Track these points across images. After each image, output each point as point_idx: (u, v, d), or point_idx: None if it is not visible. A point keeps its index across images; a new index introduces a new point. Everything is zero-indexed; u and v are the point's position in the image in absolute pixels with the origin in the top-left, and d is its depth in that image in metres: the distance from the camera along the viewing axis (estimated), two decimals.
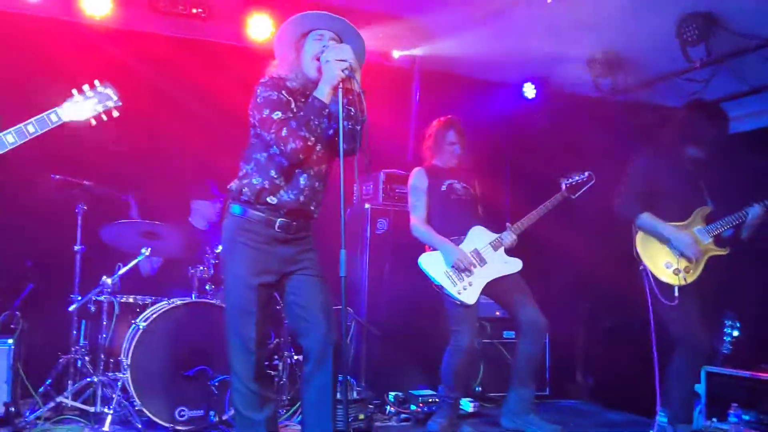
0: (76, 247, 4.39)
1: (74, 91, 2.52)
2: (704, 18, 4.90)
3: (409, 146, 5.81)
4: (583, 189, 4.57)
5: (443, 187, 4.45)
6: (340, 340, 3.04)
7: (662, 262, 4.07)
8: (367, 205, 5.19)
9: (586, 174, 4.57)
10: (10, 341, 4.07)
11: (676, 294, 3.97)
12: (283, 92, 3.05)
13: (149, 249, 4.40)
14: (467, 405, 4.91)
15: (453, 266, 4.24)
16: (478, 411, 4.95)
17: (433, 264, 4.29)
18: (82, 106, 2.52)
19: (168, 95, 5.31)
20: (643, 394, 4.19)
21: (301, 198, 3.08)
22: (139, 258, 4.40)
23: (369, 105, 3.00)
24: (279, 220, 3.04)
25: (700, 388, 4.21)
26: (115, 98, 2.60)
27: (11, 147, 2.38)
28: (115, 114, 2.59)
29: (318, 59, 3.05)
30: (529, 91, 6.29)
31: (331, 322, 3.08)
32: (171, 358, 4.09)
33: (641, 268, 4.12)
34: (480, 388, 5.31)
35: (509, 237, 4.39)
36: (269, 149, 3.04)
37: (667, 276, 4.04)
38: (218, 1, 5.28)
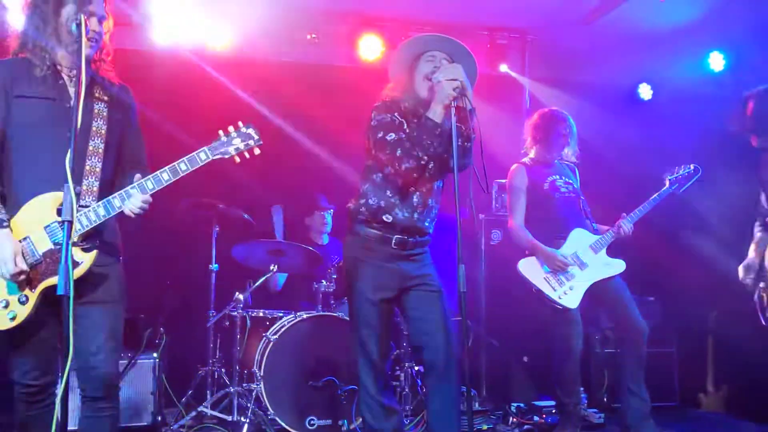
0: (212, 266, 4.71)
1: (221, 132, 2.70)
2: None
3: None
4: (690, 182, 4.38)
5: (545, 185, 4.35)
6: (461, 352, 3.10)
7: None
8: (481, 216, 5.24)
9: (692, 167, 4.39)
10: (155, 355, 4.42)
11: None
12: (396, 114, 3.18)
13: (276, 266, 4.65)
14: (593, 416, 4.81)
15: (551, 270, 4.20)
16: (604, 422, 4.84)
17: (531, 269, 4.25)
18: (228, 146, 2.69)
19: (281, 115, 5.59)
20: None
21: (415, 215, 3.18)
22: (268, 275, 4.67)
23: (480, 117, 3.07)
24: (395, 237, 3.16)
25: None
26: (257, 137, 2.74)
27: (166, 184, 2.60)
28: (257, 152, 2.75)
29: (430, 79, 3.15)
30: (645, 92, 6.11)
31: (451, 335, 3.15)
32: (300, 369, 4.31)
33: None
34: (606, 398, 5.19)
35: (628, 224, 4.27)
36: (384, 169, 3.17)
37: None
38: (330, 26, 5.54)
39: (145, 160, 2.84)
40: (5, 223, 2.53)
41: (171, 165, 2.61)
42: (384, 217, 3.16)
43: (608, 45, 5.67)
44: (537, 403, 4.80)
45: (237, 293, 4.60)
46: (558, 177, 4.39)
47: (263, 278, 4.67)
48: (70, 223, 2.19)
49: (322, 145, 5.61)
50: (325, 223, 5.46)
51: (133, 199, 2.57)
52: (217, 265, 4.73)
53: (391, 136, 3.11)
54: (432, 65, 3.20)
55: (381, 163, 3.17)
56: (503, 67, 5.95)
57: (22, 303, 2.52)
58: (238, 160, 2.71)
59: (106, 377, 2.59)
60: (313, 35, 5.52)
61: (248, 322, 4.62)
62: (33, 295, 2.52)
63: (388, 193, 3.18)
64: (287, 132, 5.59)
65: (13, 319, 2.52)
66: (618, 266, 4.28)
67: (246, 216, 4.75)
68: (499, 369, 5.02)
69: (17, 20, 2.75)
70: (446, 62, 3.20)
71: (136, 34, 5.13)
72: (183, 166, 2.62)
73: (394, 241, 3.16)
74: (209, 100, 5.25)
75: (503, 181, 5.28)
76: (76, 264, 2.48)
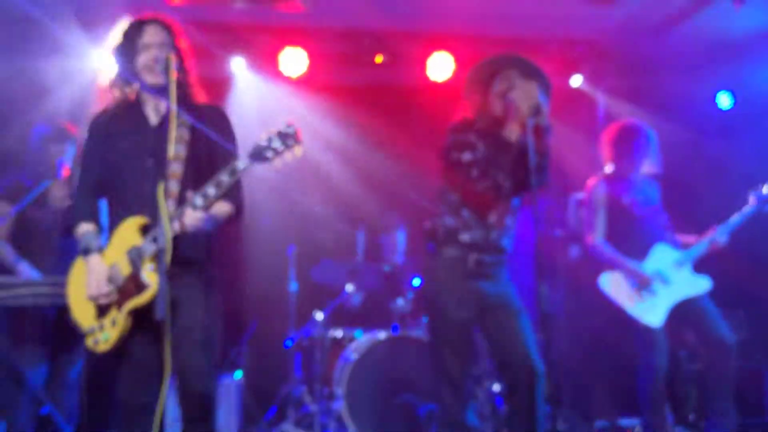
0: (290, 287, 4.83)
1: (261, 136, 2.59)
2: None
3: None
4: None
5: (625, 200, 4.24)
6: (543, 371, 3.08)
7: None
8: (558, 232, 5.17)
9: None
10: (239, 374, 4.54)
11: None
12: (471, 134, 3.20)
13: (353, 285, 4.72)
14: None
15: (634, 287, 4.11)
16: None
17: (613, 285, 4.16)
18: (267, 150, 2.56)
19: (353, 138, 5.70)
20: None
21: (493, 234, 3.19)
22: (345, 294, 4.74)
23: (555, 131, 3.09)
24: (473, 256, 3.17)
25: None
26: (296, 137, 2.57)
27: (215, 198, 2.60)
28: (298, 153, 2.57)
29: (504, 99, 3.17)
30: (724, 100, 5.92)
31: (532, 353, 3.13)
32: (379, 388, 4.35)
33: None
34: (693, 416, 5.01)
35: (723, 235, 4.14)
36: (459, 190, 3.19)
37: None
38: (401, 47, 5.63)
39: None
40: (91, 251, 2.70)
41: (214, 178, 2.61)
42: (460, 238, 3.18)
43: (684, 54, 5.55)
44: (621, 422, 4.69)
45: (315, 313, 4.69)
46: (637, 192, 4.30)
47: (340, 298, 4.75)
48: (163, 251, 2.31)
49: (394, 165, 5.68)
50: (399, 242, 5.50)
51: (186, 217, 2.60)
52: (296, 284, 4.84)
53: (466, 157, 3.12)
54: (506, 84, 3.21)
55: (456, 184, 3.19)
56: (576, 80, 5.89)
57: (113, 325, 2.66)
58: (278, 164, 2.58)
59: (201, 396, 2.69)
60: (383, 57, 5.61)
61: (327, 341, 4.70)
62: (120, 317, 2.65)
63: (464, 213, 3.19)
64: (359, 154, 5.69)
65: (107, 341, 2.67)
66: (703, 284, 4.15)
67: (323, 237, 4.86)
68: (582, 387, 4.93)
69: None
70: (520, 81, 3.21)
71: (214, 62, 5.33)
72: (225, 177, 2.60)
73: (471, 261, 3.17)
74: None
75: (580, 196, 5.24)
76: (146, 286, 2.60)
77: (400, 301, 4.71)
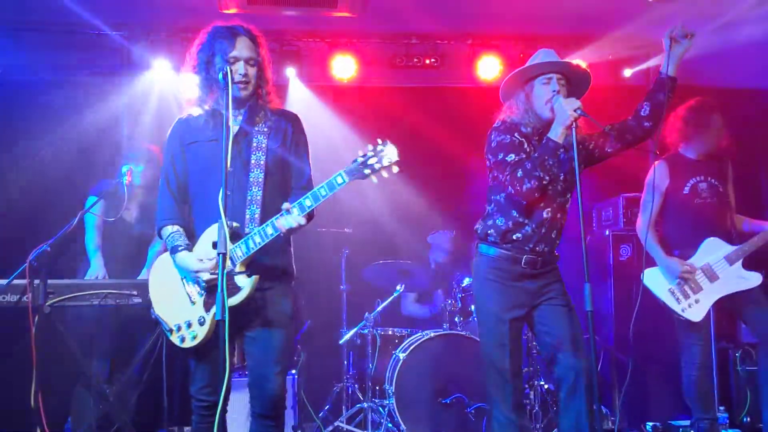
0: (342, 287, 4.95)
1: (359, 153, 2.68)
2: None
3: (650, 166, 5.63)
4: None
5: (686, 189, 4.14)
6: (590, 368, 3.09)
7: None
8: (607, 232, 5.15)
9: None
10: (294, 371, 4.68)
11: None
12: (516, 135, 3.25)
13: (403, 285, 4.81)
14: None
15: (677, 281, 4.05)
16: None
17: (656, 280, 4.11)
18: (365, 167, 2.65)
19: (402, 140, 5.74)
20: None
21: (543, 231, 3.23)
22: (395, 294, 4.84)
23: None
24: (525, 256, 3.22)
25: None
26: (394, 156, 2.64)
27: (309, 210, 2.70)
28: (395, 170, 2.65)
29: (549, 102, 3.21)
30: None
31: (579, 350, 3.16)
32: (429, 386, 4.42)
33: None
34: (748, 419, 4.93)
35: None
36: (506, 189, 3.24)
37: None
38: (449, 49, 5.68)
39: (306, 181, 2.96)
40: (180, 248, 2.82)
41: (313, 190, 2.71)
42: (513, 237, 3.23)
43: (738, 47, 5.43)
44: (674, 422, 4.65)
45: (367, 313, 4.79)
46: (702, 179, 4.14)
47: (391, 298, 4.84)
48: (224, 255, 2.44)
49: (443, 166, 5.74)
50: (448, 242, 5.56)
51: (281, 221, 2.70)
52: (347, 285, 4.95)
53: (511, 157, 3.19)
54: (549, 88, 3.25)
55: (503, 184, 3.24)
56: (627, 72, 5.84)
57: (201, 324, 2.80)
58: (375, 180, 2.67)
59: (274, 396, 2.81)
60: (433, 59, 5.67)
61: (378, 339, 4.80)
62: (209, 317, 2.78)
63: (514, 212, 3.25)
64: (408, 155, 5.74)
65: (194, 338, 2.80)
66: (754, 279, 4.04)
67: (374, 237, 4.95)
68: (634, 387, 4.90)
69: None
70: (562, 83, 3.26)
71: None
72: (323, 191, 2.70)
73: (524, 261, 3.22)
74: (332, 129, 5.53)
75: (630, 195, 5.20)
76: (238, 289, 2.70)
77: (450, 301, 4.77)
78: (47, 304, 3.52)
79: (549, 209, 3.25)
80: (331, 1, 4.93)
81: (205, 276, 2.74)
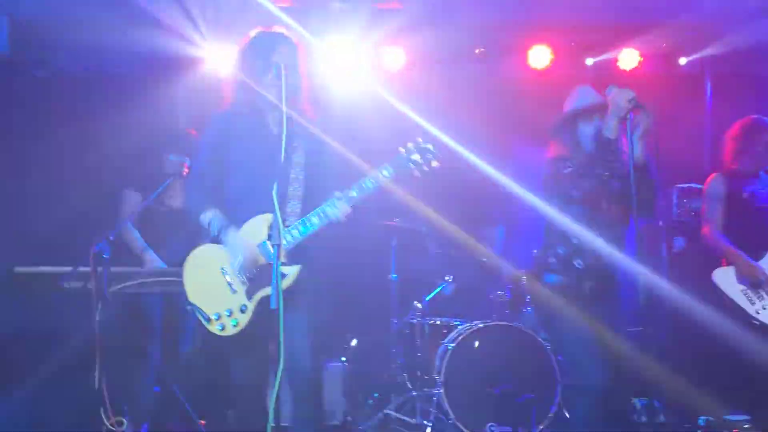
0: (391, 276, 4.99)
1: (401, 149, 2.89)
2: None
3: (704, 157, 5.53)
4: None
5: (744, 195, 4.17)
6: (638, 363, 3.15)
7: None
8: (660, 223, 5.07)
9: None
10: (344, 359, 4.76)
11: None
12: (568, 163, 3.29)
13: (451, 276, 4.83)
14: None
15: (749, 283, 3.99)
16: None
17: (727, 280, 4.08)
18: (408, 161, 2.85)
19: (450, 131, 5.74)
20: None
21: (604, 258, 3.25)
22: (443, 285, 4.86)
23: (659, 118, 3.11)
24: (587, 283, 3.29)
25: None
26: (435, 151, 2.86)
27: (355, 202, 2.88)
28: (435, 165, 2.86)
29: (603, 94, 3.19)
30: None
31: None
32: (478, 376, 4.43)
33: None
34: None
35: None
36: (569, 192, 3.28)
37: None
38: (498, 39, 5.65)
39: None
40: (226, 227, 2.94)
41: (357, 183, 2.87)
42: (575, 263, 3.27)
43: None
44: (729, 417, 4.56)
45: (415, 302, 4.83)
46: (759, 187, 4.20)
47: (438, 288, 4.87)
48: (279, 246, 2.52)
49: (493, 157, 5.71)
50: (498, 235, 5.55)
51: (329, 211, 2.88)
52: (396, 275, 5.00)
53: (567, 169, 3.25)
54: (593, 124, 3.29)
55: (562, 209, 3.29)
56: (682, 60, 5.72)
57: (243, 312, 2.92)
58: (417, 174, 2.86)
59: (308, 379, 2.93)
60: (481, 49, 5.65)
61: (427, 329, 4.83)
62: (251, 305, 2.90)
63: (574, 241, 3.26)
64: (456, 147, 5.74)
65: (236, 326, 2.92)
66: None
67: (423, 229, 4.97)
68: (687, 381, 4.82)
69: (228, 71, 3.15)
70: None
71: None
72: (368, 183, 2.88)
73: (587, 288, 3.29)
74: (381, 118, 5.55)
75: (684, 185, 5.11)
76: (283, 276, 2.80)
77: (499, 292, 4.77)
78: (110, 290, 3.66)
79: (606, 238, 3.24)
80: None
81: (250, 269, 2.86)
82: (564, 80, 5.20)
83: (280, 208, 2.78)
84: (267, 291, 2.81)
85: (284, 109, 2.69)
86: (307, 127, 3.07)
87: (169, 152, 4.34)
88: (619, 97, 3.04)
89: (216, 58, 5.43)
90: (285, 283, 2.80)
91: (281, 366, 2.48)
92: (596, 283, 3.27)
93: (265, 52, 3.00)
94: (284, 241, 2.84)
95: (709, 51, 5.69)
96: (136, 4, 4.80)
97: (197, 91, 5.50)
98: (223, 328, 2.93)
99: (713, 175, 4.31)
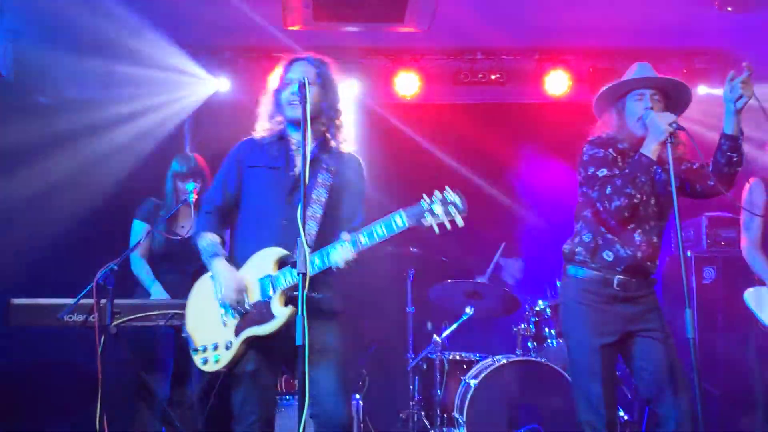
0: (408, 309, 4.77)
1: (423, 197, 2.58)
2: None
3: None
4: None
5: None
6: (692, 406, 2.88)
7: None
8: (689, 253, 4.87)
9: None
10: (358, 397, 4.52)
11: None
12: (611, 150, 3.08)
13: (472, 308, 4.61)
14: None
15: None
16: None
17: (760, 300, 3.85)
18: (428, 213, 2.54)
19: (464, 159, 5.61)
20: None
21: (639, 254, 3.02)
22: (464, 317, 4.63)
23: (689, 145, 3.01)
24: (617, 277, 3.01)
25: None
26: (462, 206, 2.52)
27: (364, 248, 2.64)
28: (460, 222, 2.52)
29: (641, 119, 3.03)
30: None
31: (682, 388, 2.95)
32: (502, 415, 4.20)
33: None
34: None
35: None
36: (595, 205, 3.06)
37: None
38: (515, 64, 5.53)
39: (358, 222, 2.89)
40: (218, 255, 2.78)
41: (368, 227, 2.65)
42: (604, 255, 3.03)
43: None
44: None
45: (435, 336, 4.60)
46: None
47: (459, 321, 4.64)
48: (305, 275, 2.32)
49: (510, 184, 5.57)
50: (519, 265, 5.36)
51: (333, 255, 2.67)
52: (413, 307, 4.78)
53: (602, 172, 3.02)
54: (642, 105, 3.06)
55: (591, 200, 3.07)
56: (702, 89, 5.59)
57: (227, 348, 2.73)
58: (437, 230, 2.55)
59: (340, 422, 2.71)
60: (498, 75, 5.52)
61: (446, 364, 4.60)
62: (236, 342, 2.72)
63: (603, 229, 3.06)
64: (474, 172, 5.60)
65: (217, 362, 2.74)
66: None
67: (444, 258, 4.78)
68: (722, 418, 4.60)
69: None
70: (656, 99, 3.07)
71: None
72: (380, 230, 2.62)
73: (616, 282, 3.01)
74: (394, 147, 5.41)
75: (714, 214, 4.93)
76: (272, 317, 2.66)
77: (523, 325, 4.56)
78: (113, 324, 3.45)
79: (645, 229, 3.05)
80: (398, 16, 4.82)
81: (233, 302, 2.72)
82: (582, 108, 5.09)
83: (291, 244, 2.58)
84: (256, 330, 2.68)
85: (308, 123, 2.51)
86: (339, 159, 2.92)
87: (176, 179, 4.16)
88: (659, 120, 2.90)
89: (221, 82, 5.36)
90: (273, 325, 2.65)
91: (306, 410, 2.27)
92: (628, 278, 3.01)
93: (283, 72, 2.94)
94: (283, 281, 2.69)
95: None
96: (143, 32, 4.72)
97: (204, 115, 5.42)
98: (205, 362, 2.77)
99: (752, 181, 4.01)
